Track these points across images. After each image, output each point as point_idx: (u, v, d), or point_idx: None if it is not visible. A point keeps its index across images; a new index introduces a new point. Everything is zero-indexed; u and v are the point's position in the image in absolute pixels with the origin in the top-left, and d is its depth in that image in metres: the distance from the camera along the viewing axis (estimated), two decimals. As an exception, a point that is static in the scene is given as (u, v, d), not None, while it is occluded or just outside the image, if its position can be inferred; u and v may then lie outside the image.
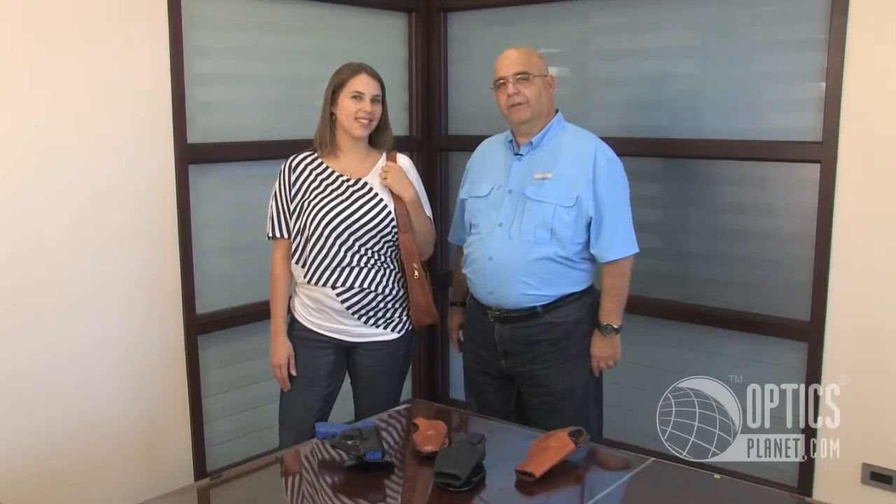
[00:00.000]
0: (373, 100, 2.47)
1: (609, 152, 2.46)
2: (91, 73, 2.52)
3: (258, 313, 2.96)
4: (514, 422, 2.56)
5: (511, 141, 2.56)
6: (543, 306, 2.46)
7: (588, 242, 2.45)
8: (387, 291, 2.52)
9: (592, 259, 2.48)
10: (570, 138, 2.50)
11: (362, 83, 2.46)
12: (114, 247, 2.64)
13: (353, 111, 2.45)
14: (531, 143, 2.50)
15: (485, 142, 2.70)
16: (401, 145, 2.71)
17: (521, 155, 2.51)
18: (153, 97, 2.68)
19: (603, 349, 2.51)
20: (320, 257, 2.47)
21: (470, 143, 2.77)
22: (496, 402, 2.62)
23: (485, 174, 2.60)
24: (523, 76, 2.44)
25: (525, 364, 2.52)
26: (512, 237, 2.45)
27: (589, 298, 2.51)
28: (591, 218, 2.41)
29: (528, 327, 2.48)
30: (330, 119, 2.50)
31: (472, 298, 2.61)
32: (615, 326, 2.48)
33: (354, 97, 2.45)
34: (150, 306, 2.75)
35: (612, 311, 2.48)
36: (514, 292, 2.45)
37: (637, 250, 2.47)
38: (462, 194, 2.67)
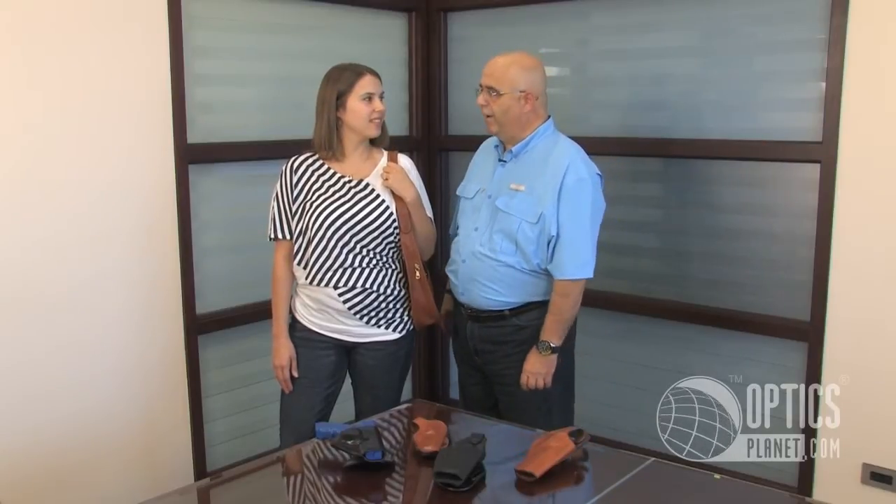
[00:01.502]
0: (380, 98, 2.48)
1: (581, 171, 2.41)
2: (91, 74, 2.52)
3: (258, 313, 2.96)
4: (494, 417, 2.56)
5: (497, 146, 2.58)
6: (510, 310, 2.49)
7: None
8: (388, 291, 2.52)
9: None
10: (550, 152, 2.47)
11: (370, 84, 2.46)
12: (114, 246, 2.64)
13: (367, 113, 2.45)
14: (512, 151, 2.51)
15: (487, 141, 2.70)
16: (401, 145, 2.72)
17: (505, 162, 2.53)
18: (153, 97, 2.68)
19: (534, 364, 2.46)
20: (322, 258, 2.47)
21: (470, 143, 2.77)
22: (477, 395, 2.66)
23: (475, 176, 2.63)
24: (490, 91, 2.45)
25: (493, 363, 2.56)
26: (482, 244, 2.49)
27: None
28: (553, 236, 2.41)
29: (496, 327, 2.52)
30: (336, 124, 2.50)
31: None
32: (551, 345, 2.44)
33: (365, 99, 2.45)
34: (150, 306, 2.75)
35: (550, 329, 2.44)
36: (480, 296, 2.50)
37: (590, 275, 2.44)
38: (458, 190, 2.70)
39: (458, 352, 2.71)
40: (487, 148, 2.66)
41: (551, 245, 2.42)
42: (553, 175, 2.41)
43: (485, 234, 2.49)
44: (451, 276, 2.60)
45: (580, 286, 2.44)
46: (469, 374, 2.68)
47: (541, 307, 2.48)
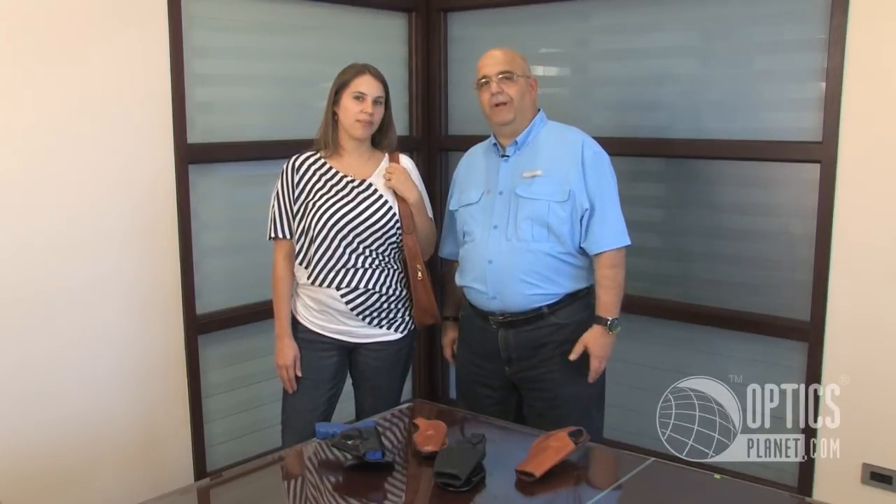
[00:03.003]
0: (375, 101, 2.46)
1: (595, 146, 2.46)
2: (91, 74, 2.52)
3: (258, 313, 2.96)
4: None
5: (495, 144, 2.56)
6: (549, 306, 2.44)
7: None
8: (390, 292, 2.52)
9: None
10: (554, 135, 2.50)
11: (365, 84, 2.46)
12: (114, 247, 2.64)
13: (355, 112, 2.45)
14: (516, 142, 2.49)
15: (467, 152, 2.69)
16: (401, 145, 2.72)
17: (508, 156, 2.51)
18: (153, 97, 2.68)
19: (605, 347, 2.40)
20: (325, 259, 2.47)
21: (470, 144, 2.76)
22: (493, 415, 2.52)
23: (472, 182, 2.58)
24: (507, 76, 2.44)
25: (530, 369, 2.48)
26: (509, 238, 2.43)
27: (590, 299, 2.48)
28: (587, 210, 2.40)
29: (534, 330, 2.45)
30: (332, 119, 2.50)
31: (472, 308, 2.57)
32: (617, 320, 2.41)
33: (356, 97, 2.45)
34: (150, 306, 2.75)
35: (612, 304, 2.40)
36: (518, 293, 2.43)
37: (628, 242, 2.43)
38: (451, 206, 2.64)
39: (476, 371, 2.59)
40: (476, 155, 2.64)
41: (584, 220, 2.40)
42: (571, 153, 2.42)
43: (510, 226, 2.43)
44: (474, 285, 2.49)
45: (624, 255, 2.43)
46: (487, 394, 2.57)
47: (578, 301, 2.45)
